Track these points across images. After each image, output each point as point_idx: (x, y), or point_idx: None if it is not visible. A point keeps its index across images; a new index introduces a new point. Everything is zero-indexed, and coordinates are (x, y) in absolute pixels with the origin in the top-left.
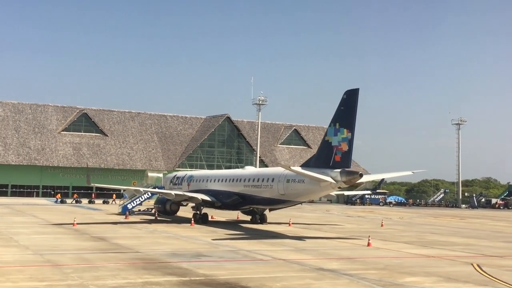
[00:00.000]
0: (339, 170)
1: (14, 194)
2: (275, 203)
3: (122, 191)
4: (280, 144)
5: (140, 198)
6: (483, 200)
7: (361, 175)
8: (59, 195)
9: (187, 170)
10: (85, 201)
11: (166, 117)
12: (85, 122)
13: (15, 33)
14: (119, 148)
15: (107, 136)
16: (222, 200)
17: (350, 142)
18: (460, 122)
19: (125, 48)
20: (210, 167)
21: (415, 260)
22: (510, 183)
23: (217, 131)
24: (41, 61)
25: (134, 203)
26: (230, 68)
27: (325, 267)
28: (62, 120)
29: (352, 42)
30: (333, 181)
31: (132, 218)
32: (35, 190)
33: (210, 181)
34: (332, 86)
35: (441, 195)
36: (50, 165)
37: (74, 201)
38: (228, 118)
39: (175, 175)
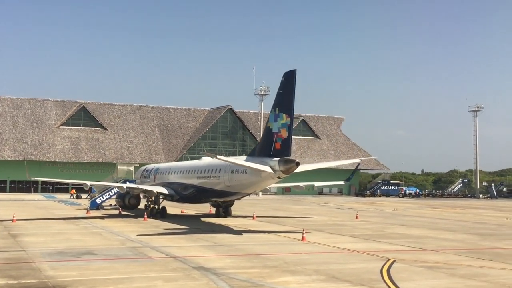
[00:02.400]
0: (277, 159)
1: (13, 190)
2: (224, 195)
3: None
4: None
5: (109, 192)
6: (504, 189)
7: (297, 164)
8: (73, 190)
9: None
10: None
11: (169, 109)
12: (84, 116)
13: (15, 29)
14: (118, 142)
15: (106, 130)
16: (180, 193)
17: (290, 128)
18: (477, 109)
19: (127, 41)
20: None
21: (329, 255)
22: None
23: (219, 123)
24: (41, 56)
25: (103, 198)
26: (236, 60)
27: (207, 265)
28: (62, 115)
29: (363, 30)
30: (271, 170)
31: (94, 213)
32: (34, 185)
33: (171, 173)
34: (342, 73)
35: (459, 185)
36: (47, 160)
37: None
38: (231, 110)
39: (145, 168)
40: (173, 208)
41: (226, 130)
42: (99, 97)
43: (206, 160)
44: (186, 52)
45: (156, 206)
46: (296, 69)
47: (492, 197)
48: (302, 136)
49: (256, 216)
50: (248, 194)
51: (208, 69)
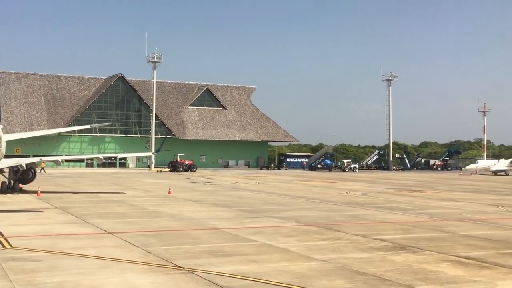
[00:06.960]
0: None
1: None
2: None
3: None
4: (190, 106)
5: None
6: (422, 161)
7: None
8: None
9: None
10: None
11: (59, 78)
12: None
13: None
14: None
15: None
16: None
17: None
18: (390, 78)
19: (27, 4)
20: (103, 131)
21: None
22: (450, 144)
23: (110, 92)
24: None
25: None
26: (131, 26)
27: None
28: None
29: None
30: None
31: None
32: None
33: None
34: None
35: (375, 157)
36: None
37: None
38: (122, 78)
39: None
40: None
41: (118, 99)
42: None
43: None
44: (87, 17)
45: None
46: None
47: (404, 169)
48: (207, 106)
49: (42, 192)
50: None
51: (104, 36)
